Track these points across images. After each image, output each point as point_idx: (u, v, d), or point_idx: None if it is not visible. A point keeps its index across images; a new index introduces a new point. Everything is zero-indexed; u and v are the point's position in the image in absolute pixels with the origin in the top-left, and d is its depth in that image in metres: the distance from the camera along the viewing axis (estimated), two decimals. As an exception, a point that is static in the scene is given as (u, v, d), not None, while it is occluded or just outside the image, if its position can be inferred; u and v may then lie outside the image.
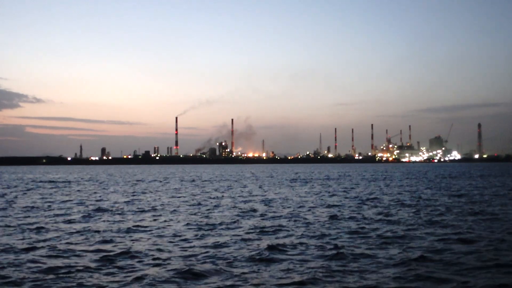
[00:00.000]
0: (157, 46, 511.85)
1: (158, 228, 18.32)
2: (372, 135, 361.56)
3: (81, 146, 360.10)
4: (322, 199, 31.53)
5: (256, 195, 35.80)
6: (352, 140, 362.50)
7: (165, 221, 20.56)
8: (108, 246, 14.57)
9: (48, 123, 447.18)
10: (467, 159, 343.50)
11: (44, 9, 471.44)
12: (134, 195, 36.66)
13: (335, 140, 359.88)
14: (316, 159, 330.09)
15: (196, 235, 16.53)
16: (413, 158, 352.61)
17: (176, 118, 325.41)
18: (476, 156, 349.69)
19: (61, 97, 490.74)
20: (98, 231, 17.52)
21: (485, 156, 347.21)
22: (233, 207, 26.70)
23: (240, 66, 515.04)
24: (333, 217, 21.23)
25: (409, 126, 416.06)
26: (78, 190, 43.35)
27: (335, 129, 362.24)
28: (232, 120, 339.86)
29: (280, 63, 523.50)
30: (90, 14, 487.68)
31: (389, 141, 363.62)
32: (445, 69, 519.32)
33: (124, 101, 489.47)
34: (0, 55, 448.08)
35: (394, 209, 25.02)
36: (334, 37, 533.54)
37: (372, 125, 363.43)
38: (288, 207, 26.25)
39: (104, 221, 20.70)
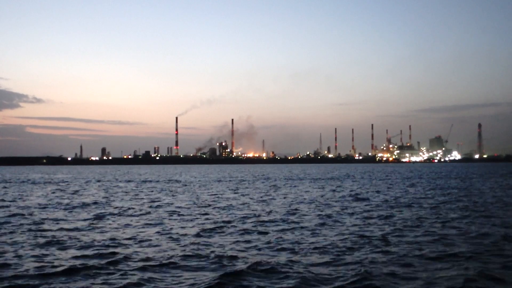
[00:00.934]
0: (157, 46, 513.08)
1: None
2: (372, 135, 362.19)
3: (81, 146, 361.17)
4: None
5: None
6: (352, 140, 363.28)
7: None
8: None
9: (48, 123, 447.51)
10: (467, 159, 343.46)
11: (44, 9, 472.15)
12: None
13: (335, 140, 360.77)
14: (316, 159, 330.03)
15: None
16: (413, 158, 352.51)
17: (176, 118, 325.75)
18: (476, 156, 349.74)
19: (61, 97, 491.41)
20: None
21: (485, 156, 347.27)
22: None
23: (241, 66, 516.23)
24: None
25: (409, 126, 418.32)
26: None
27: (335, 129, 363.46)
28: (232, 120, 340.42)
29: (281, 63, 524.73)
30: (90, 14, 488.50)
31: (389, 141, 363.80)
32: (445, 69, 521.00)
33: (124, 101, 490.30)
34: (0, 55, 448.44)
35: None
36: (335, 37, 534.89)
37: (372, 125, 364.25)
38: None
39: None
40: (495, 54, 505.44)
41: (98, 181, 65.05)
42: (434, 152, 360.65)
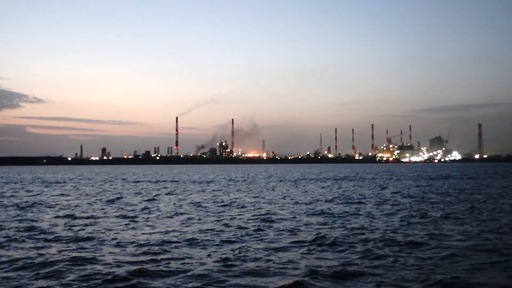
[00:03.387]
0: (158, 46, 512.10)
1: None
2: (372, 135, 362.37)
3: (81, 146, 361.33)
4: None
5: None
6: (353, 140, 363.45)
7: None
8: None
9: (48, 123, 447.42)
10: (467, 159, 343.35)
11: (44, 9, 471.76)
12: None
13: (336, 140, 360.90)
14: (317, 159, 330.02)
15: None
16: (414, 158, 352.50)
17: (177, 118, 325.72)
18: (477, 156, 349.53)
19: (61, 97, 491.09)
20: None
21: (485, 156, 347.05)
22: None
23: (243, 65, 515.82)
24: None
25: (410, 126, 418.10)
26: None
27: (335, 129, 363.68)
28: (233, 120, 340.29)
29: (284, 62, 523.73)
30: (90, 14, 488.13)
31: (389, 141, 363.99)
32: (446, 69, 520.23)
33: (124, 101, 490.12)
34: (0, 55, 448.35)
35: None
36: (336, 37, 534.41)
37: (372, 125, 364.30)
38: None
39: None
40: (495, 54, 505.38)
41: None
42: (434, 152, 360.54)
